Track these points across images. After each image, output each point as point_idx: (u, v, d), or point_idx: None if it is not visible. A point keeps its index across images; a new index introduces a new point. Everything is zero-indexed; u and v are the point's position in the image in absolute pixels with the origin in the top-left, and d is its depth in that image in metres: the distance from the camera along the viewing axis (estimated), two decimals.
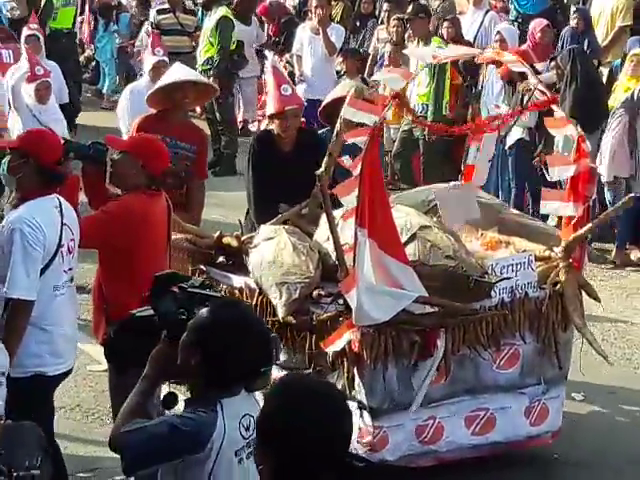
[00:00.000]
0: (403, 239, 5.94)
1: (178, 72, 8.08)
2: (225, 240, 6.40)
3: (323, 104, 7.76)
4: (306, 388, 3.09)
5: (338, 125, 6.50)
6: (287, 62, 14.39)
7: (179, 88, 7.78)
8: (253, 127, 15.27)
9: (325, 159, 6.34)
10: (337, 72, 13.36)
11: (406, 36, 13.01)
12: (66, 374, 5.92)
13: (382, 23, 14.14)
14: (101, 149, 6.03)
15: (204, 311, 3.63)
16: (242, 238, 6.48)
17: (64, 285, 5.71)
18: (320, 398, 3.03)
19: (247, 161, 7.50)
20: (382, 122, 5.91)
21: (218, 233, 6.46)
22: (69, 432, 7.07)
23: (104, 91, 17.10)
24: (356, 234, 5.66)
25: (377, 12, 14.71)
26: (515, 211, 7.04)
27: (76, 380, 7.67)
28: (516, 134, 11.10)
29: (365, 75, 13.68)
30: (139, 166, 5.92)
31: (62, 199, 5.73)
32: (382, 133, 8.84)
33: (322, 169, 6.09)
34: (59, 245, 5.62)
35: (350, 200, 5.83)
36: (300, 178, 6.66)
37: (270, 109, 7.40)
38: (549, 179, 6.76)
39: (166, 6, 14.56)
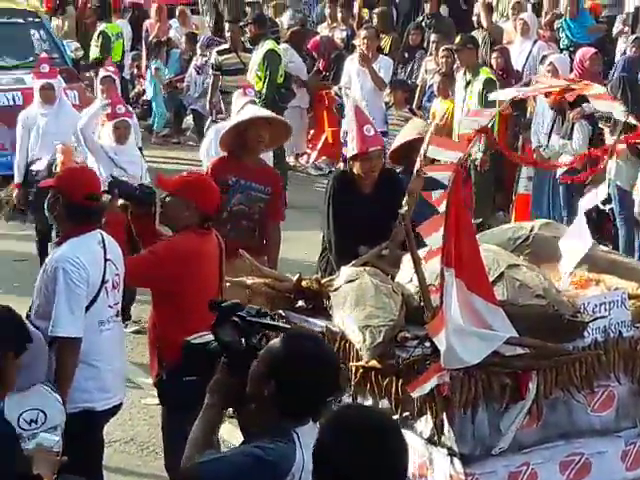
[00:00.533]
0: (491, 278, 5.62)
1: (252, 111, 7.83)
2: (305, 283, 6.09)
3: (394, 146, 7.44)
4: (361, 420, 3.01)
5: (418, 163, 6.19)
6: (336, 94, 14.14)
7: (253, 127, 7.53)
8: (302, 160, 15.01)
9: (405, 198, 6.03)
10: (385, 103, 13.06)
11: (454, 67, 12.70)
12: (117, 408, 5.85)
13: (430, 54, 13.86)
14: (147, 192, 5.93)
15: (276, 342, 3.60)
16: (322, 281, 6.13)
17: (110, 320, 5.66)
18: (375, 432, 2.96)
19: (326, 203, 7.24)
20: (466, 158, 5.56)
21: (297, 276, 6.15)
22: (124, 466, 6.98)
23: (154, 127, 16.89)
24: (443, 274, 5.33)
25: (425, 43, 14.41)
26: (604, 247, 6.66)
27: (131, 413, 7.60)
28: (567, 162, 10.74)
29: (413, 106, 13.43)
30: (192, 207, 5.80)
31: (105, 234, 5.67)
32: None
33: (404, 208, 5.77)
34: (103, 281, 5.58)
35: (434, 239, 5.47)
36: (380, 219, 6.38)
37: (352, 150, 7.08)
38: None
39: (226, 46, 14.40)
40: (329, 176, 14.42)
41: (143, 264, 5.85)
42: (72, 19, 18.12)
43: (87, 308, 5.49)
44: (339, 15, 15.56)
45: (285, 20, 16.16)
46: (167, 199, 5.91)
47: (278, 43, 14.38)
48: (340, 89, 13.78)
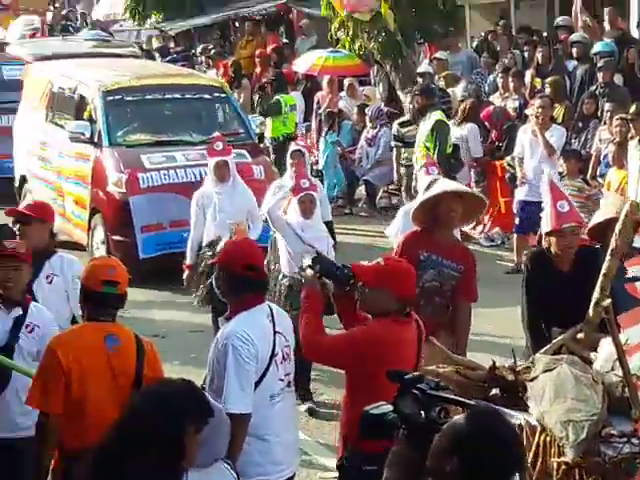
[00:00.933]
0: None
1: (442, 185, 7.58)
2: (499, 372, 5.75)
3: (592, 223, 7.06)
4: None
5: (613, 243, 5.83)
6: (508, 164, 13.80)
7: (444, 201, 7.36)
8: (475, 231, 14.67)
9: (600, 279, 5.68)
10: (559, 174, 12.65)
11: (629, 136, 12.21)
12: (290, 479, 5.76)
13: (604, 123, 13.39)
14: (347, 275, 5.75)
15: (461, 418, 3.50)
16: (517, 369, 5.79)
17: (280, 392, 5.57)
18: None
19: (522, 282, 6.93)
20: None
21: (491, 364, 5.82)
22: None
23: None
24: None
25: (599, 112, 13.94)
26: None
27: None
28: None
29: (588, 176, 12.98)
30: (389, 295, 5.60)
31: (274, 306, 5.72)
32: None
33: (601, 296, 5.44)
34: (272, 355, 5.50)
35: (635, 332, 5.14)
36: (577, 298, 6.06)
37: (547, 226, 6.83)
38: None
39: (407, 118, 14.23)
40: (501, 247, 14.25)
41: (340, 345, 5.69)
42: (247, 91, 18.24)
43: (257, 383, 5.42)
44: (511, 85, 15.26)
45: (458, 91, 15.87)
46: (365, 289, 5.72)
47: (447, 114, 14.12)
48: (513, 159, 13.44)
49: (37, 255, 6.49)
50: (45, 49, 15.17)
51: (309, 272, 5.72)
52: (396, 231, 8.95)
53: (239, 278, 5.44)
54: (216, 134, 11.37)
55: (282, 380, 5.55)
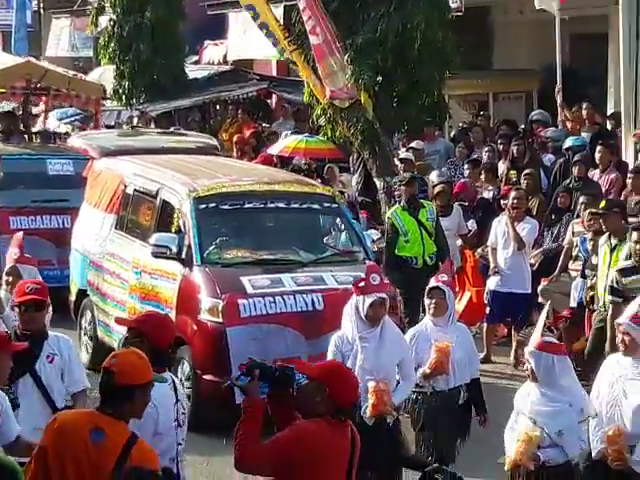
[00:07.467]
0: None
1: None
2: None
3: None
4: None
5: None
6: (481, 256, 12.38)
7: None
8: None
9: None
10: (531, 265, 11.66)
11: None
12: None
13: (578, 216, 12.02)
14: (288, 374, 5.25)
15: None
16: None
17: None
18: None
19: None
20: None
21: None
22: None
23: None
24: None
25: (573, 206, 12.55)
26: None
27: None
28: None
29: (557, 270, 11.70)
30: (325, 394, 5.04)
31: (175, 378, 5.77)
32: None
33: None
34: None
35: None
36: None
37: None
38: None
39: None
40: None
41: (266, 452, 5.01)
42: None
43: None
44: (482, 177, 13.43)
45: (433, 177, 13.81)
46: (303, 383, 5.17)
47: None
48: (484, 250, 11.96)
49: (35, 338, 6.28)
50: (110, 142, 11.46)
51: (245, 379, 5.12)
52: None
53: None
54: (369, 263, 8.69)
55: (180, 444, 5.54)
